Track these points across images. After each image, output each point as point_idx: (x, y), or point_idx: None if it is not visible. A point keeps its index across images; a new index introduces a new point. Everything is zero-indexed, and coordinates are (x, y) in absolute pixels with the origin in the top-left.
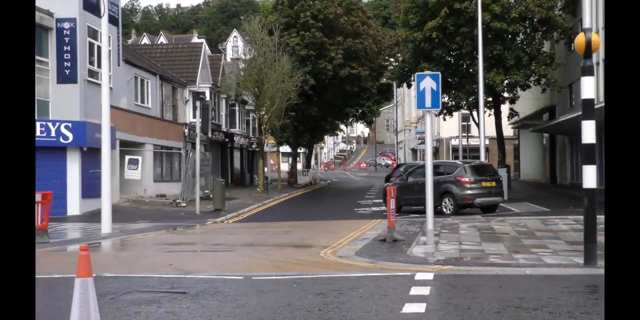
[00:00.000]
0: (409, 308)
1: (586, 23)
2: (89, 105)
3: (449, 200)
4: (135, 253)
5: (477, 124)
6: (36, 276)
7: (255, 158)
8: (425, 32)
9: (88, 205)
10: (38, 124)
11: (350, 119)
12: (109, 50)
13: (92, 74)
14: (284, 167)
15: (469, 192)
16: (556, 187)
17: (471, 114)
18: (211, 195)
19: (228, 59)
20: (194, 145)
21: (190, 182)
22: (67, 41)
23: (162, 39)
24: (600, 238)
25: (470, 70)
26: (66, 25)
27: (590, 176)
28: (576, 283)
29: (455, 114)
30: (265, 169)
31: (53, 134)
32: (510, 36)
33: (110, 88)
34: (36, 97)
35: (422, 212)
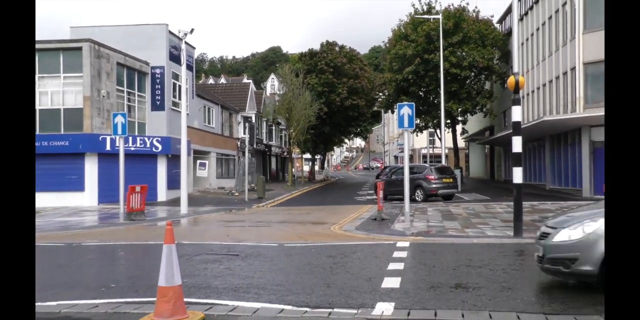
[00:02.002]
0: (392, 266)
1: (515, 68)
2: (172, 126)
3: (420, 191)
4: (204, 227)
5: (440, 139)
6: (138, 243)
7: (286, 162)
8: (404, 75)
9: (171, 194)
10: (138, 139)
11: (352, 135)
12: (186, 88)
13: (175, 104)
14: (306, 168)
15: (434, 185)
16: (494, 182)
17: (435, 132)
18: (255, 188)
19: (267, 94)
20: (244, 153)
21: (241, 178)
22: (158, 81)
23: (222, 80)
24: (525, 217)
25: (435, 101)
26: (157, 71)
27: (518, 175)
28: (508, 249)
29: (425, 131)
30: (293, 170)
31: (148, 145)
32: (463, 78)
33: (187, 114)
34: (137, 120)
35: (402, 199)
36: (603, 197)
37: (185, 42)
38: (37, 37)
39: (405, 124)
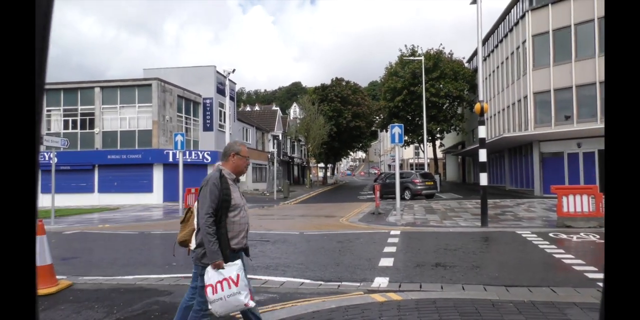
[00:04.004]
0: (387, 249)
1: (480, 97)
2: (219, 143)
3: (408, 191)
4: None
5: (423, 151)
6: None
7: (305, 169)
8: (395, 103)
9: None
10: (193, 153)
11: (355, 149)
12: (229, 114)
13: (221, 126)
14: (320, 174)
15: (419, 187)
16: (465, 184)
17: (419, 146)
18: (282, 189)
19: (291, 118)
20: (273, 163)
21: (271, 182)
22: (208, 109)
23: (256, 108)
24: (489, 212)
25: (419, 123)
26: (207, 101)
27: (483, 179)
28: (476, 236)
29: (411, 146)
30: (310, 175)
31: (200, 157)
32: (440, 105)
33: (230, 133)
34: (193, 139)
35: (394, 198)
36: (550, 195)
37: (229, 79)
38: (120, 77)
39: (396, 140)
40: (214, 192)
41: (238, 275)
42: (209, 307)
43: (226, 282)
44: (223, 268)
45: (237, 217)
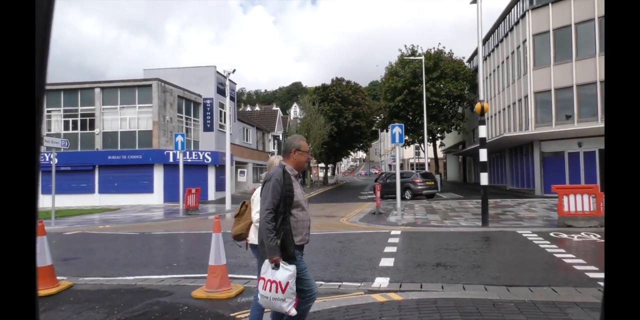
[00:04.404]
0: (387, 249)
1: (481, 97)
2: (219, 143)
3: (408, 191)
4: None
5: (423, 151)
6: (194, 232)
7: (305, 170)
8: (395, 102)
9: (218, 195)
10: (194, 153)
11: (356, 149)
12: (230, 114)
13: (221, 126)
14: (321, 174)
15: (419, 187)
16: (466, 184)
17: (420, 146)
18: None
19: (291, 118)
20: None
21: None
22: (208, 109)
23: (257, 108)
24: (490, 211)
25: (420, 122)
26: (208, 101)
27: (484, 178)
28: (477, 236)
29: (412, 145)
30: (311, 175)
31: (201, 158)
32: (441, 105)
33: (230, 134)
34: (193, 139)
35: (395, 198)
36: (551, 194)
37: (229, 80)
38: (120, 77)
39: (397, 140)
40: (276, 188)
41: (287, 284)
42: (259, 295)
43: (275, 285)
44: (278, 266)
45: (299, 214)
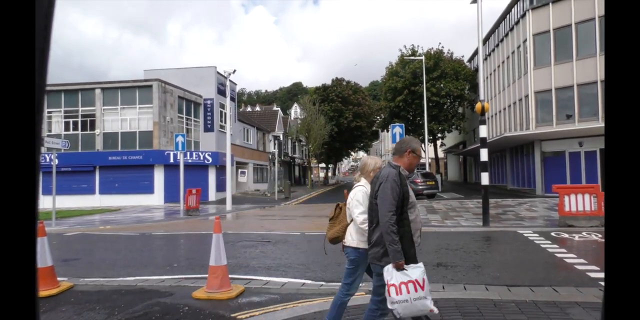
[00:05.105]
0: None
1: (481, 96)
2: (219, 143)
3: None
4: (243, 220)
5: (424, 151)
6: (194, 232)
7: (306, 170)
8: (396, 102)
9: (219, 195)
10: (194, 153)
11: (356, 149)
12: (230, 115)
13: (221, 127)
14: (322, 174)
15: (420, 187)
16: (467, 184)
17: (420, 146)
18: (283, 190)
19: (291, 118)
20: (274, 163)
21: (272, 183)
22: (208, 110)
23: (257, 108)
24: (491, 211)
25: (420, 122)
26: (208, 102)
27: (485, 178)
28: (478, 236)
29: None
30: (311, 176)
31: (201, 158)
32: (441, 104)
33: (231, 134)
34: (193, 140)
35: None
36: (552, 194)
37: (229, 80)
38: (122, 78)
39: (397, 140)
40: (395, 189)
41: (424, 279)
42: (390, 307)
43: (412, 285)
44: (405, 269)
45: (413, 215)
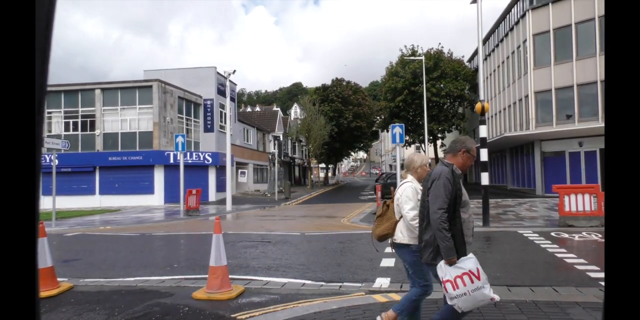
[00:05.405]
0: (388, 249)
1: (481, 96)
2: (219, 144)
3: None
4: (244, 220)
5: (424, 151)
6: (194, 233)
7: (306, 170)
8: (396, 103)
9: (219, 195)
10: (194, 154)
11: (356, 149)
12: (230, 115)
13: (221, 127)
14: (322, 174)
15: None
16: (466, 184)
17: (420, 146)
18: (283, 190)
19: (291, 119)
20: (274, 163)
21: (272, 183)
22: (208, 110)
23: (257, 108)
24: (491, 211)
25: (420, 122)
26: (208, 102)
27: (485, 178)
28: (478, 236)
29: (412, 145)
30: (311, 176)
31: (201, 159)
32: (441, 105)
33: (231, 135)
34: (193, 140)
35: None
36: (552, 194)
37: (229, 80)
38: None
39: (397, 140)
40: (447, 187)
41: (478, 269)
42: (450, 303)
43: (467, 277)
44: (456, 262)
45: (466, 215)
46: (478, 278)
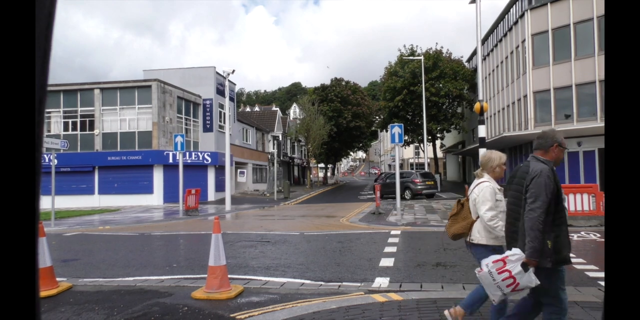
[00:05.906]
0: (387, 249)
1: (480, 96)
2: (219, 143)
3: (408, 191)
4: (243, 220)
5: (423, 151)
6: (194, 233)
7: (305, 170)
8: (395, 102)
9: (218, 195)
10: (193, 154)
11: (356, 149)
12: (229, 115)
13: (220, 127)
14: (320, 174)
15: (419, 186)
16: (466, 183)
17: (419, 146)
18: (282, 190)
19: (290, 118)
20: (273, 163)
21: (271, 183)
22: (208, 110)
23: (256, 108)
24: None
25: (419, 122)
26: (207, 102)
27: None
28: None
29: (411, 145)
30: (310, 176)
31: (200, 158)
32: (440, 104)
33: (230, 134)
34: (193, 140)
35: (394, 198)
36: None
37: (229, 80)
38: (123, 78)
39: (396, 140)
40: (549, 185)
41: (520, 289)
42: (497, 295)
43: (512, 280)
44: (527, 269)
45: (562, 212)
46: (511, 288)
